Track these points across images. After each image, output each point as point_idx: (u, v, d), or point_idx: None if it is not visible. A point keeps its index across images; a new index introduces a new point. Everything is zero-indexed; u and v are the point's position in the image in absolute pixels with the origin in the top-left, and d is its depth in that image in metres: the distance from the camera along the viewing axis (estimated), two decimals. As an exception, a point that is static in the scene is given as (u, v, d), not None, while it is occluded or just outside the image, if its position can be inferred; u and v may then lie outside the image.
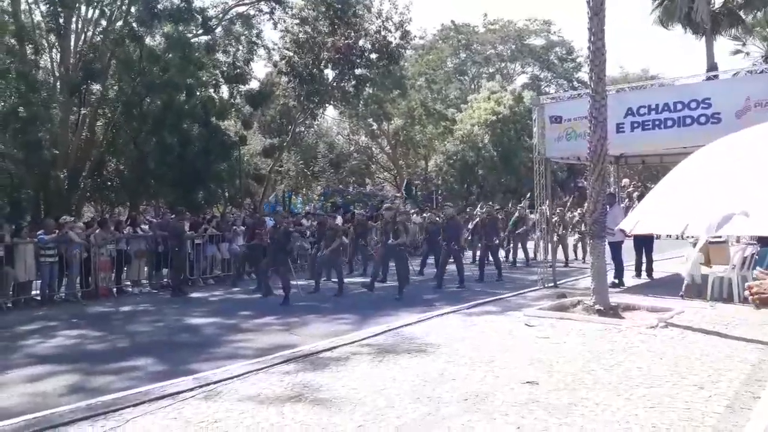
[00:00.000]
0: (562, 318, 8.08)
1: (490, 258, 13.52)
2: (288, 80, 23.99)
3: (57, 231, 11.67)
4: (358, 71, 24.07)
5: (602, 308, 8.23)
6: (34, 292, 11.52)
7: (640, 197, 15.21)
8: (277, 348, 6.98)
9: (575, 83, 45.37)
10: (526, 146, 28.70)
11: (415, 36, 25.38)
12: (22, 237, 11.41)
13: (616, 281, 10.91)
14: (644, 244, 11.92)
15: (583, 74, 42.89)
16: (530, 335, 7.14)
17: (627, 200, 13.91)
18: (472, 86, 45.98)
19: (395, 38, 23.59)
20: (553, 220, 14.15)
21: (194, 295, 12.06)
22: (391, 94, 31.90)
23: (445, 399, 4.83)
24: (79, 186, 17.64)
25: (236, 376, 5.64)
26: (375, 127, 37.95)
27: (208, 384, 5.42)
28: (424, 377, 5.45)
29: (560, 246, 14.98)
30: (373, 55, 23.61)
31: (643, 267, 12.08)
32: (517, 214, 16.42)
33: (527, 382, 5.20)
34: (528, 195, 16.95)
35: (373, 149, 41.32)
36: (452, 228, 12.05)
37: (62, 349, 7.43)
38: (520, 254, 16.34)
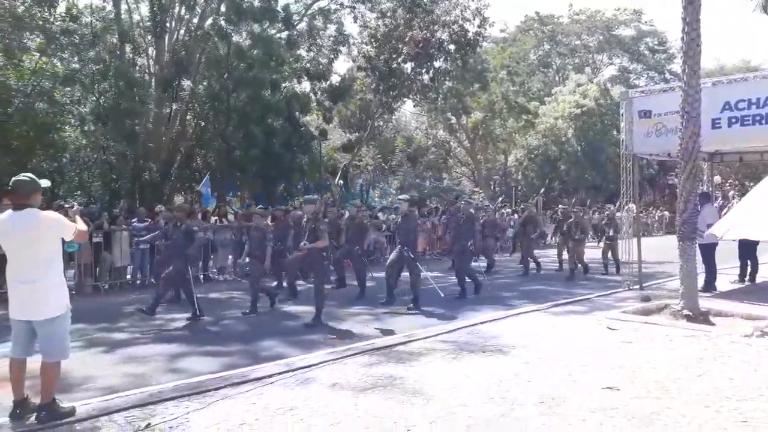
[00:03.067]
0: (647, 322, 7.72)
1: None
2: (366, 75, 24.23)
3: (150, 219, 12.41)
4: (436, 64, 23.96)
5: (691, 313, 7.79)
6: (128, 277, 12.35)
7: (739, 196, 14.22)
8: (354, 339, 7.12)
9: (667, 75, 43.08)
10: (613, 141, 27.56)
11: (493, 23, 24.93)
12: (117, 224, 12.23)
13: (707, 285, 10.28)
14: (749, 247, 11.14)
15: (676, 65, 40.63)
16: (612, 339, 6.87)
17: (721, 199, 13.06)
18: (557, 78, 44.66)
19: (473, 26, 23.31)
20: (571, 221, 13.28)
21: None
22: (471, 88, 31.52)
23: (519, 400, 4.74)
24: (171, 177, 18.63)
25: (314, 365, 5.79)
26: (453, 121, 37.65)
27: (287, 371, 5.59)
28: (499, 377, 5.37)
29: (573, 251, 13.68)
30: (451, 47, 23.42)
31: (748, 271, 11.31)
32: (526, 213, 14.68)
33: (607, 388, 5.02)
34: (536, 196, 16.10)
35: (451, 143, 41.02)
36: (465, 226, 10.37)
37: (155, 332, 7.88)
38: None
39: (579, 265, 12.97)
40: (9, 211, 4.47)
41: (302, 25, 22.31)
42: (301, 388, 5.12)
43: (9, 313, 4.46)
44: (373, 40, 23.55)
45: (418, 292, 9.23)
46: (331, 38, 22.87)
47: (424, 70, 24.03)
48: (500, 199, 20.98)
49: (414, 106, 34.93)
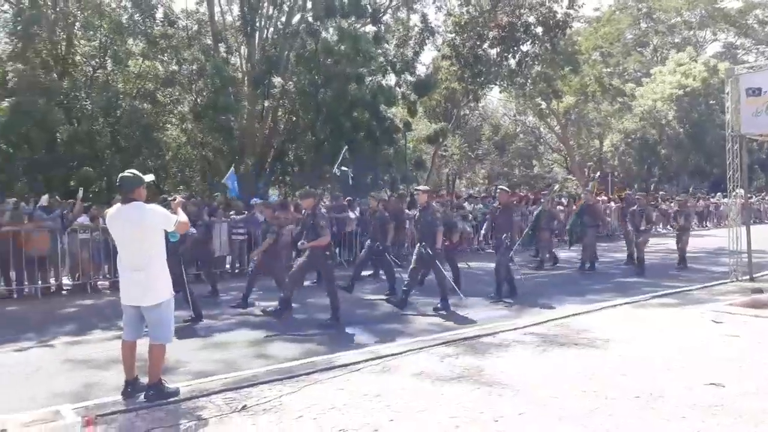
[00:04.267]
0: (758, 316, 7.16)
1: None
2: (450, 63, 23.96)
3: (246, 212, 12.99)
4: (524, 48, 23.28)
5: (810, 307, 7.15)
6: (227, 266, 12.99)
7: None
8: (440, 329, 7.12)
9: (781, 49, 39.46)
10: (718, 123, 25.71)
11: (583, 3, 23.79)
12: (216, 217, 12.87)
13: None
14: None
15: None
16: (717, 333, 6.44)
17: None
18: (655, 58, 42.12)
19: (561, 7, 22.39)
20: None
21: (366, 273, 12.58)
22: (561, 71, 30.37)
23: (613, 395, 4.56)
24: (265, 171, 19.38)
25: (399, 353, 5.85)
26: (543, 106, 36.47)
27: (373, 358, 5.69)
28: (592, 370, 5.18)
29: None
30: (539, 29, 22.65)
31: None
32: (540, 207, 13.44)
33: (711, 384, 4.71)
34: (554, 185, 14.68)
35: (541, 129, 39.80)
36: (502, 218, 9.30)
37: (249, 319, 8.25)
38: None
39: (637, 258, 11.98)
40: (117, 205, 4.84)
41: (386, 17, 22.42)
42: (388, 376, 5.19)
43: (120, 298, 4.83)
44: (457, 27, 23.25)
45: (444, 292, 8.27)
46: (416, 29, 22.80)
47: (510, 55, 23.43)
48: (556, 187, 19.82)
49: (500, 92, 34.16)
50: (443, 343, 6.26)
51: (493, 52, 23.66)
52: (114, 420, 4.28)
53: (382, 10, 21.72)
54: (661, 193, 25.08)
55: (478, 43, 22.85)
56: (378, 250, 10.03)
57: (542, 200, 14.64)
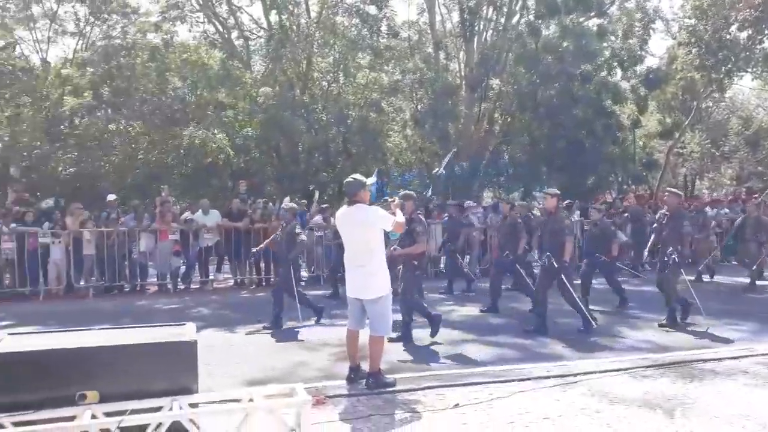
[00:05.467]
0: None
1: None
2: (688, 51, 21.45)
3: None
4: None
5: None
6: (441, 266, 13.25)
7: None
8: (643, 349, 6.51)
9: None
10: None
11: None
12: (432, 218, 13.30)
13: None
14: None
15: None
16: None
17: None
18: None
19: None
20: None
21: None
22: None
23: None
24: (479, 174, 19.50)
25: (596, 372, 5.43)
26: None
27: (593, 372, 5.40)
28: None
29: None
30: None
31: None
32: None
33: None
34: None
35: (807, 121, 33.56)
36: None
37: (461, 318, 8.37)
38: None
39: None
40: (344, 207, 5.29)
41: (613, 9, 20.95)
42: (605, 392, 4.84)
43: (346, 291, 5.27)
44: (697, 12, 20.75)
45: (580, 312, 7.32)
46: (646, 18, 20.89)
47: (764, 37, 20.18)
48: None
49: (753, 80, 29.61)
50: (650, 365, 5.68)
51: (743, 35, 20.62)
52: (339, 402, 4.68)
53: (607, 2, 20.35)
54: None
55: (724, 26, 20.12)
56: (508, 261, 9.04)
57: (748, 206, 12.36)
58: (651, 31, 21.00)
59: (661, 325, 7.47)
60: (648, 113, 23.40)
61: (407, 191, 7.82)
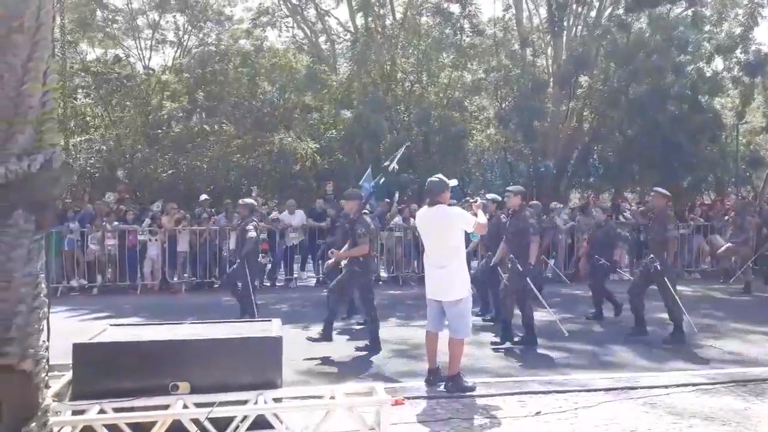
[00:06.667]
0: None
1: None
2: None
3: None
4: None
5: None
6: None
7: None
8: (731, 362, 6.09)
9: None
10: None
11: None
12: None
13: None
14: None
15: None
16: None
17: None
18: None
19: None
20: None
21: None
22: None
23: None
24: (567, 173, 18.86)
25: (688, 385, 5.13)
26: None
27: (685, 384, 5.13)
28: None
29: None
30: None
31: None
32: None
33: None
34: None
35: None
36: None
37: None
38: None
39: None
40: (425, 207, 5.29)
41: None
42: (698, 407, 4.56)
43: (426, 293, 5.25)
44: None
45: (524, 325, 6.77)
46: (752, 2, 19.32)
47: None
48: None
49: None
50: (729, 381, 5.28)
51: None
52: (418, 404, 4.68)
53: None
54: None
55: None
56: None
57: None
58: (759, 17, 19.35)
59: (666, 342, 6.79)
60: (754, 108, 21.72)
61: (351, 190, 7.37)
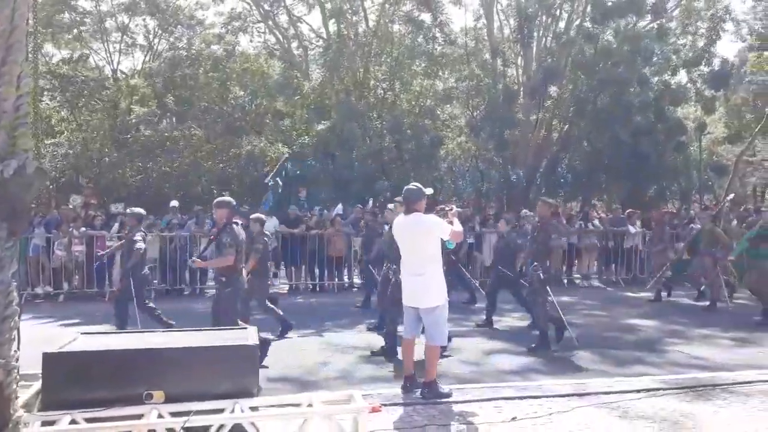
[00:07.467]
0: None
1: None
2: (757, 55, 20.43)
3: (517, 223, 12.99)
4: None
5: None
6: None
7: None
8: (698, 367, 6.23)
9: None
10: None
11: None
12: (487, 227, 13.18)
13: None
14: None
15: None
16: None
17: None
18: None
19: None
20: None
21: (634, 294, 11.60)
22: None
23: None
24: (536, 182, 19.13)
25: (644, 391, 5.20)
26: None
27: (625, 392, 5.20)
28: None
29: None
30: None
31: None
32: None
33: None
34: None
35: None
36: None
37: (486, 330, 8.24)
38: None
39: None
40: (401, 215, 5.30)
41: (671, 5, 20.20)
42: (669, 409, 4.65)
43: (402, 299, 5.26)
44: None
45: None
46: (714, 18, 19.98)
47: None
48: (729, 197, 13.60)
49: None
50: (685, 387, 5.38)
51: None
52: (395, 411, 4.67)
53: (671, 4, 19.64)
54: None
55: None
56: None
57: (699, 217, 11.74)
58: (720, 31, 20.01)
59: (531, 350, 6.83)
60: (716, 120, 22.40)
61: (222, 198, 6.58)
